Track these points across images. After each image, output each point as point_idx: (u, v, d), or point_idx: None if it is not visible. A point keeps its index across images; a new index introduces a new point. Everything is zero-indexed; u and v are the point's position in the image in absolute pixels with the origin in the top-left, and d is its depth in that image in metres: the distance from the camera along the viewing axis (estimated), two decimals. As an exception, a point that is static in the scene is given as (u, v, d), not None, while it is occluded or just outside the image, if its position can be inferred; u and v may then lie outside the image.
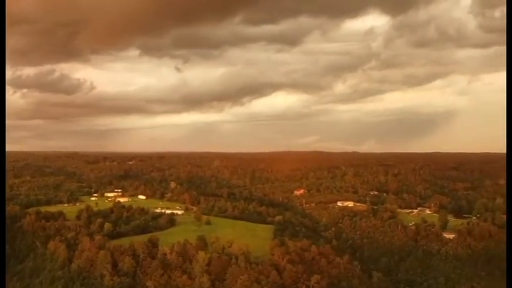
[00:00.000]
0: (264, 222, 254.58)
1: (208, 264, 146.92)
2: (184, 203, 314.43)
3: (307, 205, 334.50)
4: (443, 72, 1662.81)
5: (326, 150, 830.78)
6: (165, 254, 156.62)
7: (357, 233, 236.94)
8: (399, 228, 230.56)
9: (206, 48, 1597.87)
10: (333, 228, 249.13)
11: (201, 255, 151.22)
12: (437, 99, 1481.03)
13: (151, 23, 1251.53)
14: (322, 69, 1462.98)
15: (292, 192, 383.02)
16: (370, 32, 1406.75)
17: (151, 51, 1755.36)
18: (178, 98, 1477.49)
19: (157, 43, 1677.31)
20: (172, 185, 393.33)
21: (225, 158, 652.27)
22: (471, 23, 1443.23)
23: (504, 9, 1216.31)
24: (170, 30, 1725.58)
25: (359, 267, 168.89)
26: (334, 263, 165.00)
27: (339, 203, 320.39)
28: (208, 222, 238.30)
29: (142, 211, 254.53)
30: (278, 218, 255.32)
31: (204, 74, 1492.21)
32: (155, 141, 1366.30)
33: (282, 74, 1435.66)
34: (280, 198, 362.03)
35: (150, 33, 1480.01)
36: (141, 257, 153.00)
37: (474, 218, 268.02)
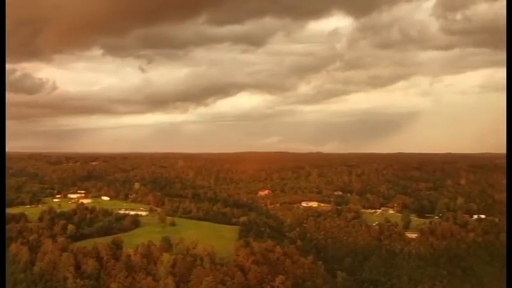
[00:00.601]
0: (229, 223, 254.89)
1: (173, 266, 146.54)
2: (148, 204, 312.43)
3: (272, 206, 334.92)
4: (406, 73, 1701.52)
5: (290, 151, 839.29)
6: (129, 256, 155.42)
7: (321, 233, 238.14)
8: (363, 228, 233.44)
9: (170, 48, 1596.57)
10: (298, 229, 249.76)
11: (166, 256, 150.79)
12: (400, 100, 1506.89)
13: (114, 23, 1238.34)
14: (286, 70, 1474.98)
15: (256, 193, 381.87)
16: (334, 33, 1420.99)
17: (115, 51, 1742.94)
18: (142, 98, 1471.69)
19: (121, 43, 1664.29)
20: (136, 186, 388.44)
21: (190, 159, 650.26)
22: (433, 25, 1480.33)
23: (465, 11, 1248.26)
24: (134, 30, 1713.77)
25: (323, 267, 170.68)
26: (298, 263, 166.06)
27: (304, 204, 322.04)
28: (172, 224, 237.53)
29: (106, 212, 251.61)
30: (243, 218, 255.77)
31: (168, 74, 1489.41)
32: (119, 141, 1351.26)
33: (247, 74, 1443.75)
34: (245, 199, 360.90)
35: (114, 33, 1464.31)
36: (104, 259, 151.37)
37: (436, 217, 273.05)
